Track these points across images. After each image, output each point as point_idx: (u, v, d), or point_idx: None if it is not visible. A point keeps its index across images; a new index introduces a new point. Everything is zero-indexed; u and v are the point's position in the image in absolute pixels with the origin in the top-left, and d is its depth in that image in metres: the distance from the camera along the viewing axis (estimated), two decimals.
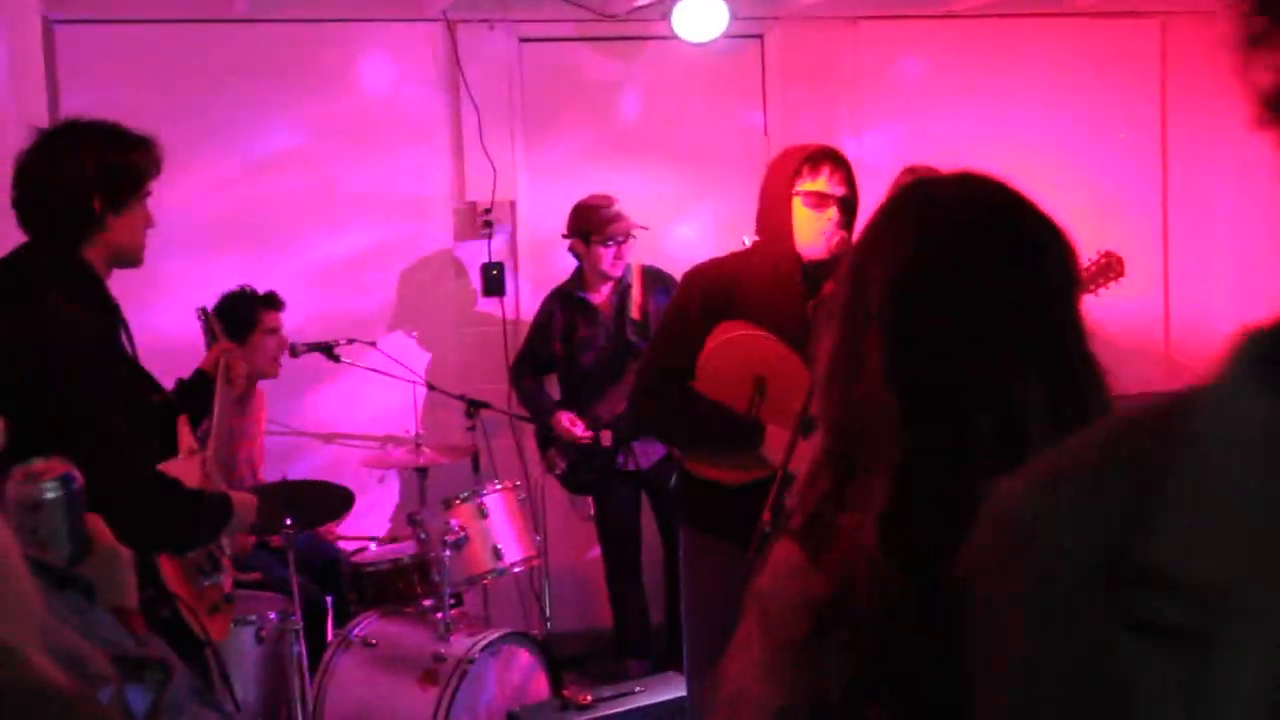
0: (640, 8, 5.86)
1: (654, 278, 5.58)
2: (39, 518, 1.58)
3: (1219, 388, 0.77)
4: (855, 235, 3.74)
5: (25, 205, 2.95)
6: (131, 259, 3.07)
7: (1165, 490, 0.79)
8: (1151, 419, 0.84)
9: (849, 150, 3.69)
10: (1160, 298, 6.79)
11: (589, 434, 5.47)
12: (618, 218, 5.49)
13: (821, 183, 3.56)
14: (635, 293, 5.55)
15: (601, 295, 5.58)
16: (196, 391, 3.52)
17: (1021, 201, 1.49)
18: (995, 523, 0.85)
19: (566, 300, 5.64)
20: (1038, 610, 0.80)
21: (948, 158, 1.56)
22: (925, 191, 1.54)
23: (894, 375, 1.42)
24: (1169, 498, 0.78)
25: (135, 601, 1.68)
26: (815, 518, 1.47)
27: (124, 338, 3.02)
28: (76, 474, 1.62)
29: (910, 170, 4.93)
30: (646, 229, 5.57)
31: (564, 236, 5.61)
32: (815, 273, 3.61)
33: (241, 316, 5.05)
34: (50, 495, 1.59)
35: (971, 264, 1.44)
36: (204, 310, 4.23)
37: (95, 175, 2.93)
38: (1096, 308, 1.56)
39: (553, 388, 5.76)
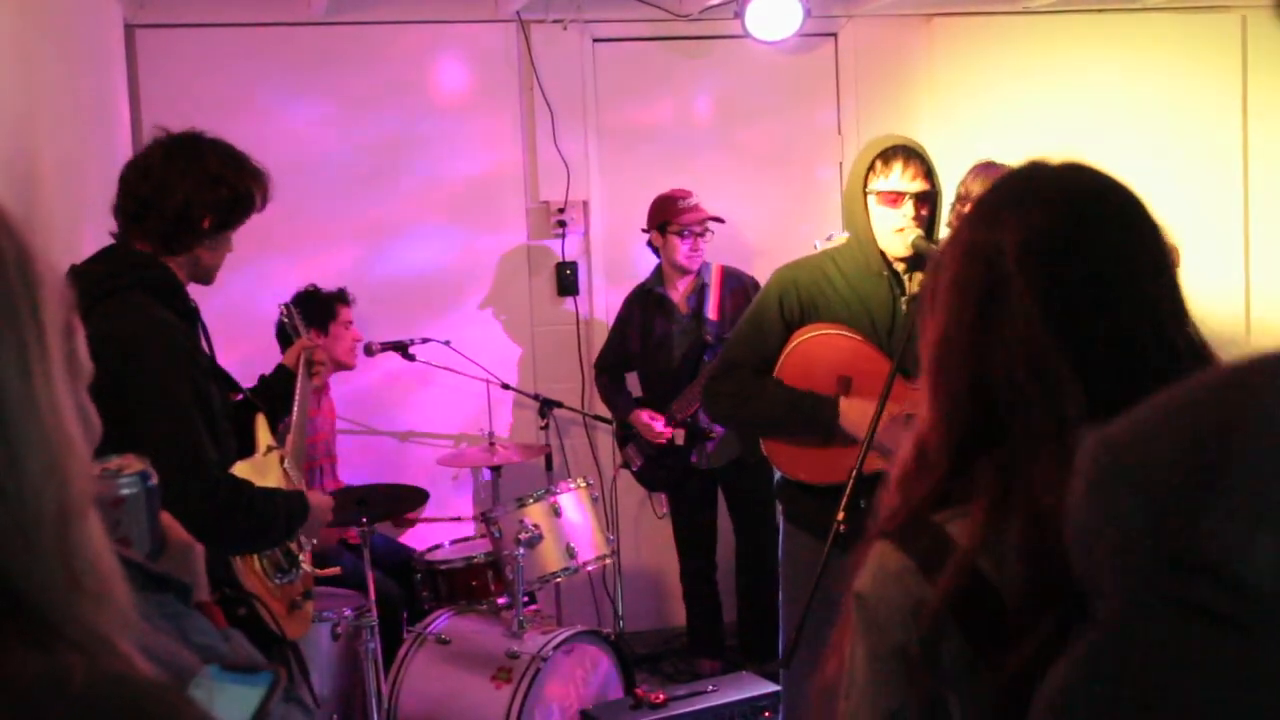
0: (713, 6, 5.85)
1: (733, 278, 5.57)
2: (118, 514, 1.57)
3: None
4: (947, 226, 3.72)
5: (135, 204, 2.95)
6: (206, 278, 3.10)
7: (1227, 477, 0.77)
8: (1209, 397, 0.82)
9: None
10: (1241, 292, 6.67)
11: (668, 430, 5.47)
12: (694, 209, 5.49)
13: (893, 179, 3.49)
14: (713, 292, 5.54)
15: (679, 291, 5.58)
16: (279, 387, 3.54)
17: (1119, 181, 1.48)
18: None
19: (645, 297, 5.65)
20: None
21: (1022, 155, 1.52)
22: (1032, 168, 1.50)
23: (1053, 329, 1.36)
24: (1231, 484, 0.76)
25: (207, 595, 1.69)
26: (915, 519, 1.41)
27: (202, 339, 3.06)
28: (152, 471, 1.62)
29: (983, 167, 4.89)
30: (722, 221, 5.57)
31: (643, 230, 5.63)
32: (904, 267, 3.57)
33: (322, 309, 5.16)
34: (128, 491, 1.58)
35: (1103, 221, 1.42)
36: (287, 306, 4.26)
37: (218, 196, 2.94)
38: None
39: (634, 386, 5.76)
